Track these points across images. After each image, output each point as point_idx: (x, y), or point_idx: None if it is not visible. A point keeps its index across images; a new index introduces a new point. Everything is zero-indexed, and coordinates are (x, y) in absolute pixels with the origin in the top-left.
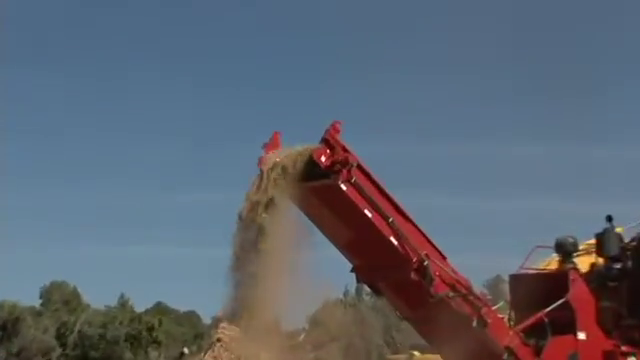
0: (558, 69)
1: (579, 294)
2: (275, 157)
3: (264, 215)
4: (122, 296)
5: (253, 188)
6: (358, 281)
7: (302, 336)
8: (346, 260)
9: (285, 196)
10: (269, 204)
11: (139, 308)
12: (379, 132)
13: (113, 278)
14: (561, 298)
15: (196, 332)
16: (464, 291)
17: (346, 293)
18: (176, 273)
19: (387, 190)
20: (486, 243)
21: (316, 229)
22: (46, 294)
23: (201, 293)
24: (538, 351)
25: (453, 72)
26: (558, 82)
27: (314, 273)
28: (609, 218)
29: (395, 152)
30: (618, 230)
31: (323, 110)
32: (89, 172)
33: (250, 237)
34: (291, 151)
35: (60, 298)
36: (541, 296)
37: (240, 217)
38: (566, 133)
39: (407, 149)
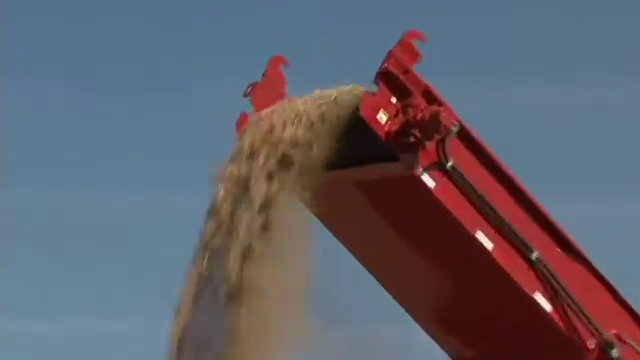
0: None
1: None
2: (276, 115)
3: (255, 239)
4: None
5: (227, 185)
6: None
7: None
8: (433, 342)
9: (297, 199)
10: (265, 222)
11: None
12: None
13: None
14: None
15: None
16: None
17: None
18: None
19: (527, 189)
20: None
21: (363, 269)
22: None
23: None
24: None
25: None
26: None
27: None
28: None
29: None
30: None
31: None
32: None
33: (223, 283)
34: (311, 101)
35: None
36: None
37: (204, 244)
38: None
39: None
